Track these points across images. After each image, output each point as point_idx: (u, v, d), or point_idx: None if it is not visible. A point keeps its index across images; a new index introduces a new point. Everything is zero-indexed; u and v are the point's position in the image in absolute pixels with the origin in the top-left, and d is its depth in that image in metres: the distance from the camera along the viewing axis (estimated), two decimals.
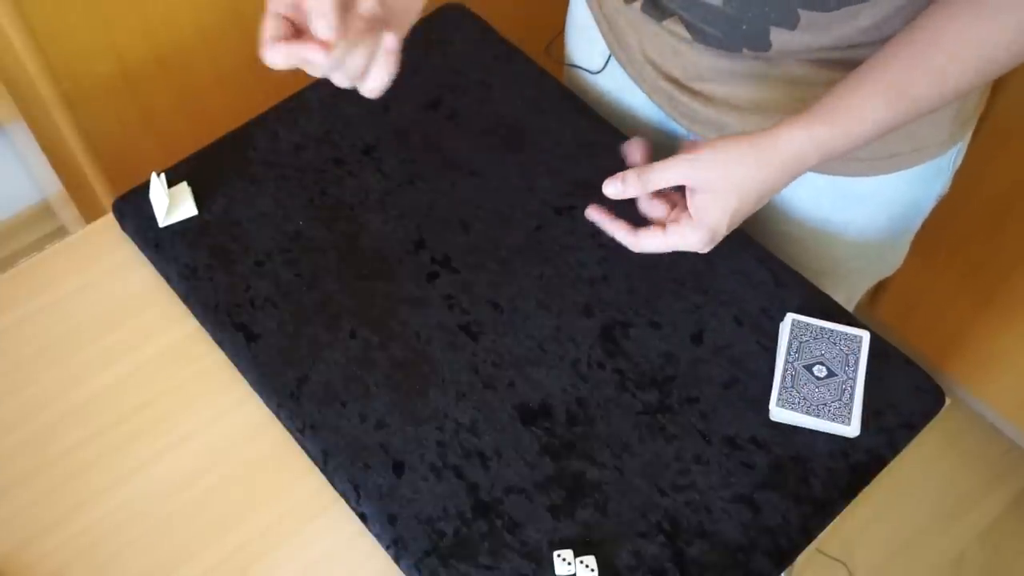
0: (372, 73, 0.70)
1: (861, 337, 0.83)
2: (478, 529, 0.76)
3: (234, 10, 1.33)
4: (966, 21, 0.69)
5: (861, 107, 0.72)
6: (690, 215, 0.76)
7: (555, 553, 0.75)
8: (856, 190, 0.92)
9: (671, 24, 0.85)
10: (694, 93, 0.90)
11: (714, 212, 0.74)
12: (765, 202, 0.76)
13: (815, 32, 0.77)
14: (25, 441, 0.82)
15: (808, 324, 0.84)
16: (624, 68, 0.97)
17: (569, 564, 0.74)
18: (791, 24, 0.76)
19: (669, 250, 0.78)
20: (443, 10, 1.09)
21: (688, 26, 0.84)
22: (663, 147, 1.01)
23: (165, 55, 1.31)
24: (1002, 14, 0.68)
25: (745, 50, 0.82)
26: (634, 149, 0.81)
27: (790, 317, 0.84)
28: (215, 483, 0.80)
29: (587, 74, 1.05)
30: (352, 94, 1.01)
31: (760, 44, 0.80)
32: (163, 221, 0.92)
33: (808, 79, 0.83)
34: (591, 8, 0.99)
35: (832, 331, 0.83)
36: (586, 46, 1.03)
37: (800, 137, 0.72)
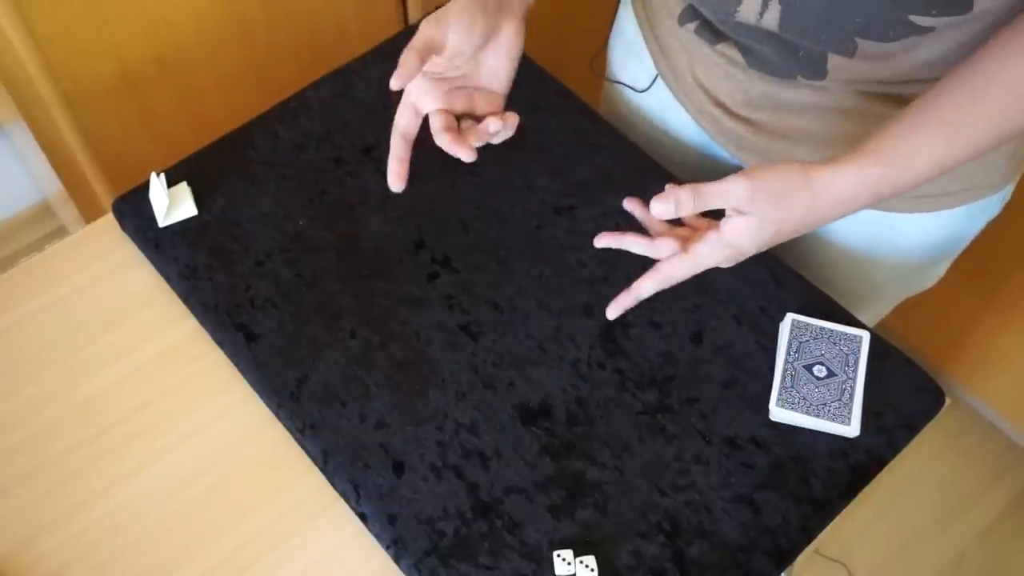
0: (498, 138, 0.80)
1: (861, 337, 0.83)
2: (478, 529, 0.76)
3: (234, 11, 1.33)
4: (1020, 58, 0.67)
5: (917, 149, 0.69)
6: (718, 231, 0.73)
7: (555, 553, 0.75)
8: (901, 225, 0.90)
9: (725, 48, 0.84)
10: (743, 120, 0.88)
11: (750, 236, 0.72)
12: (807, 231, 0.73)
13: (872, 62, 0.75)
14: (25, 441, 0.82)
15: (808, 324, 0.84)
16: (671, 89, 0.95)
17: (569, 564, 0.74)
18: (848, 52, 0.74)
19: (696, 272, 0.76)
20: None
21: (743, 50, 0.82)
22: (705, 168, 1.00)
23: (165, 55, 1.31)
24: None
25: (800, 77, 0.80)
26: (635, 205, 0.82)
27: (790, 317, 0.84)
28: (215, 483, 0.80)
29: (630, 92, 1.03)
30: (351, 94, 1.01)
31: (816, 72, 0.78)
32: (163, 221, 0.92)
33: (861, 111, 0.81)
34: (641, 27, 0.97)
35: (832, 331, 0.84)
36: (633, 63, 1.01)
37: (852, 178, 0.70)
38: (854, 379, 0.81)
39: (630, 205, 0.84)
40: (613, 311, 0.82)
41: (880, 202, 0.71)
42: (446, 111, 0.79)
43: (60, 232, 1.81)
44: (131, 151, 1.36)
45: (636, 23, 0.98)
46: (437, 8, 1.10)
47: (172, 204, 0.92)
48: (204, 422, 0.83)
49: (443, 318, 0.86)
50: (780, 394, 0.80)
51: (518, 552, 0.75)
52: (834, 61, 0.76)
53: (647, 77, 1.00)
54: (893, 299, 1.03)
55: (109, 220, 0.95)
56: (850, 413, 0.79)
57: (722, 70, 0.86)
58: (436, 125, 0.79)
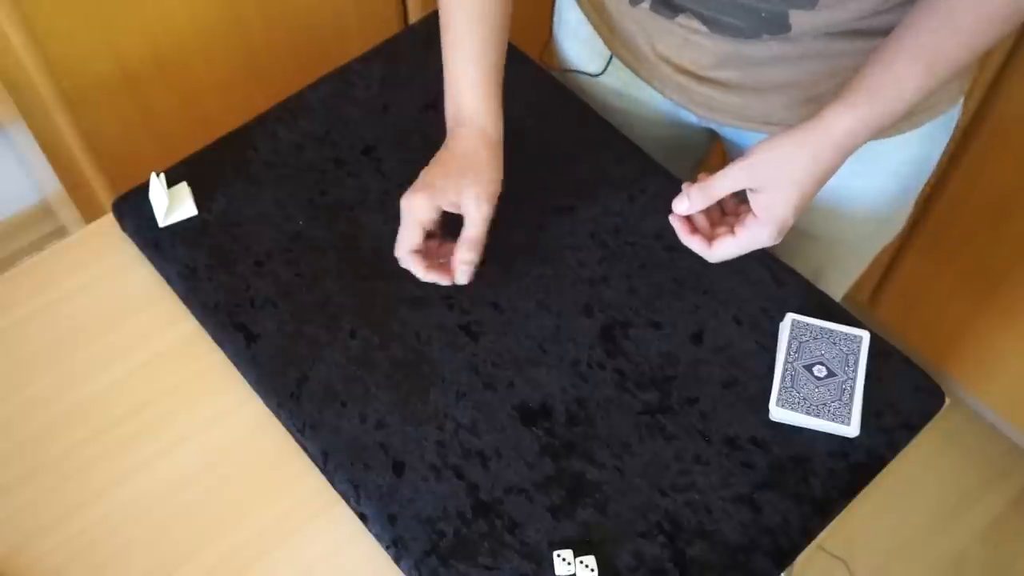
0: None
1: (861, 337, 0.83)
2: (478, 529, 0.76)
3: (234, 11, 1.33)
4: None
5: (901, 80, 0.73)
6: (755, 215, 0.78)
7: (555, 553, 0.75)
8: (873, 151, 0.92)
9: (685, 20, 0.85)
10: (712, 82, 0.90)
11: (779, 207, 0.77)
12: (825, 183, 0.77)
13: (832, 9, 0.77)
14: (25, 441, 0.82)
15: (808, 324, 0.84)
16: (631, 68, 0.97)
17: (569, 564, 0.74)
18: (811, 4, 0.77)
19: (744, 252, 0.80)
20: None
21: (704, 20, 0.84)
22: (676, 138, 1.01)
23: (165, 55, 1.31)
24: None
25: (765, 35, 0.82)
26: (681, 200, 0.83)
27: (790, 317, 0.84)
28: (215, 483, 0.80)
29: (587, 77, 1.04)
30: (351, 94, 1.01)
31: (780, 28, 0.80)
32: (163, 221, 0.92)
33: (827, 51, 0.84)
34: (586, 14, 0.99)
35: (832, 331, 0.83)
36: (583, 50, 1.03)
37: (847, 119, 0.74)
38: (854, 379, 0.81)
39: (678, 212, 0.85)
40: (675, 220, 0.83)
41: (879, 133, 0.76)
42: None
43: (60, 232, 1.81)
44: (131, 151, 1.36)
45: (579, 12, 1.00)
46: (437, 10, 1.10)
47: (172, 204, 0.92)
48: (204, 422, 0.83)
49: (443, 318, 0.86)
50: (780, 394, 0.80)
51: (518, 552, 0.75)
52: (796, 16, 0.79)
53: (600, 60, 1.01)
54: (869, 244, 1.05)
55: (109, 220, 0.95)
56: (850, 413, 0.79)
57: (683, 40, 0.88)
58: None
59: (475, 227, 0.83)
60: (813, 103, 0.88)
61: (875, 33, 0.81)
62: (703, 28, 0.84)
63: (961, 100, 0.93)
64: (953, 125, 0.96)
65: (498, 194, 0.85)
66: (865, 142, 0.76)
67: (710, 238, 0.81)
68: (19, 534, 0.78)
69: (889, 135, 0.90)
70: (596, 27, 0.98)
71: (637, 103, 1.02)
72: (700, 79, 0.90)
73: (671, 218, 0.82)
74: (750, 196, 0.77)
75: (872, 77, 0.74)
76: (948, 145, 0.98)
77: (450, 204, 0.84)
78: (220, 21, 1.33)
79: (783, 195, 0.76)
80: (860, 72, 0.75)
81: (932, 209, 1.44)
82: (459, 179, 0.84)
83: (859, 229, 0.99)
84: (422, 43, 1.06)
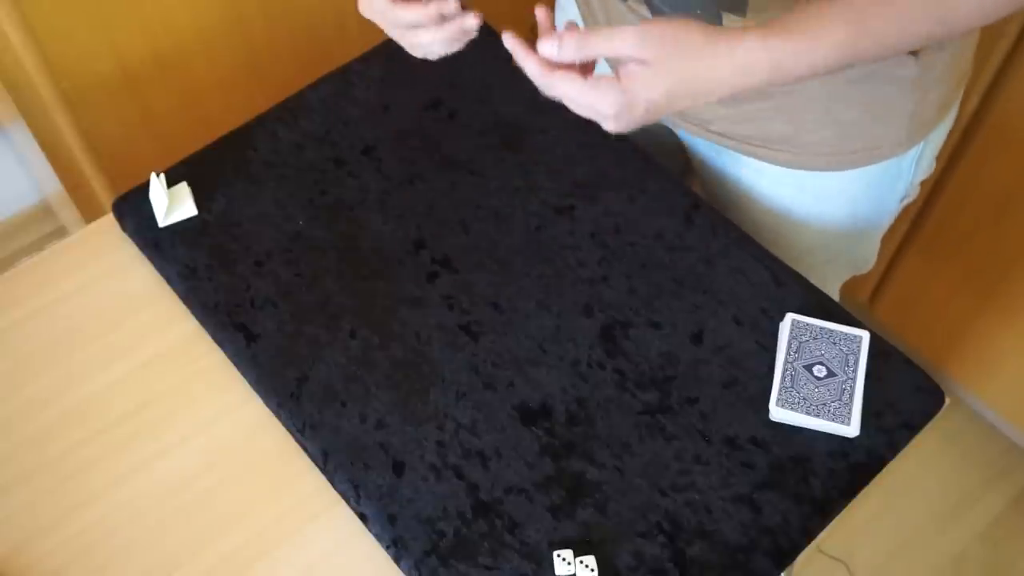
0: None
1: (861, 337, 0.83)
2: (478, 529, 0.76)
3: (234, 11, 1.33)
4: None
5: (820, 27, 0.67)
6: (615, 77, 0.68)
7: (555, 553, 0.75)
8: (816, 186, 0.93)
9: (635, 5, 0.86)
10: None
11: (641, 85, 0.67)
12: (697, 104, 0.70)
13: (764, 15, 0.77)
14: (25, 441, 0.82)
15: (808, 324, 0.84)
16: None
17: (569, 564, 0.74)
18: (740, 9, 0.77)
19: (579, 104, 0.70)
20: None
21: (651, 8, 0.84)
22: (647, 134, 1.01)
23: (165, 55, 1.31)
24: None
25: (724, 14, 0.82)
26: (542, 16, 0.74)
27: (790, 317, 0.84)
28: (215, 483, 0.80)
29: None
30: (351, 94, 1.01)
31: (739, 7, 0.80)
32: (163, 221, 0.92)
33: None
34: None
35: (832, 331, 0.83)
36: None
37: (755, 46, 0.67)
38: (854, 379, 0.81)
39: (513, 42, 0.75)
40: (509, 38, 0.74)
41: (781, 82, 0.69)
42: None
43: (60, 232, 1.81)
44: (131, 151, 1.36)
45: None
46: None
47: (172, 204, 0.92)
48: (204, 422, 0.83)
49: (443, 318, 0.86)
50: (780, 394, 0.80)
51: (518, 552, 0.75)
52: (729, 21, 0.78)
53: None
54: (827, 272, 1.05)
55: (109, 220, 0.95)
56: (850, 413, 0.79)
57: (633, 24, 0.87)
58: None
59: None
60: (750, 123, 0.88)
61: None
62: (648, 16, 0.85)
63: (915, 150, 0.92)
64: (910, 177, 0.95)
65: None
66: (768, 80, 0.69)
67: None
68: (19, 534, 0.78)
69: (824, 168, 0.90)
70: (580, 10, 0.99)
71: None
72: None
73: (510, 40, 0.72)
74: (623, 63, 0.68)
75: (794, 17, 0.68)
76: (948, 145, 0.98)
77: None
78: (220, 21, 1.33)
79: (652, 76, 0.67)
80: (785, 15, 0.69)
81: (932, 209, 1.44)
82: None
83: (811, 256, 0.99)
84: None
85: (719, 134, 0.91)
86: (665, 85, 0.67)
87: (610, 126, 0.70)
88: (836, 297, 1.10)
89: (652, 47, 0.66)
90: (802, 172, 0.92)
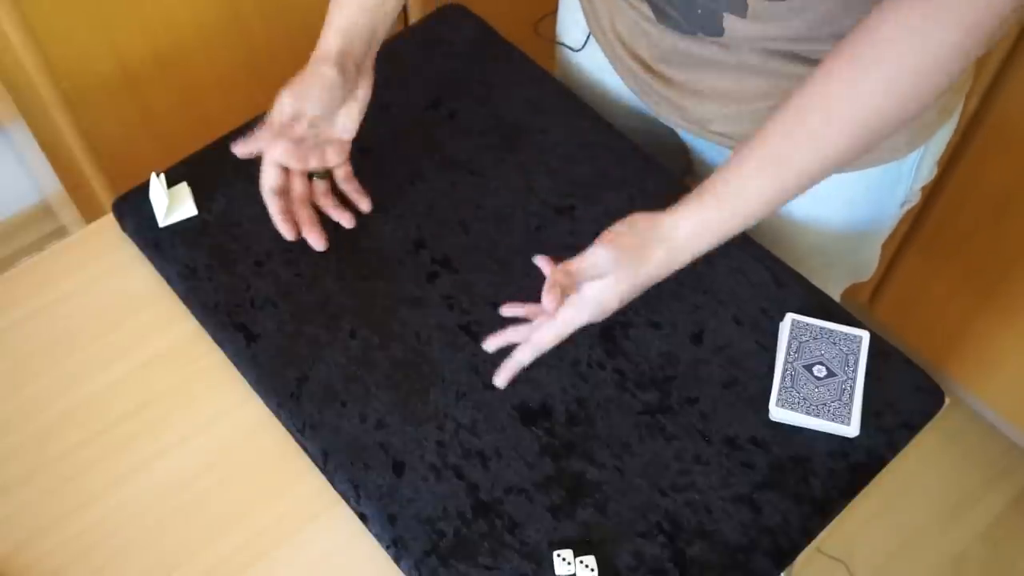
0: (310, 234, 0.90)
1: (861, 337, 0.83)
2: (478, 529, 0.76)
3: (233, 10, 1.33)
4: (839, 80, 0.68)
5: (746, 187, 0.72)
6: (579, 294, 0.76)
7: (555, 553, 0.75)
8: (816, 189, 0.92)
9: (637, 2, 0.86)
10: (657, 74, 0.91)
11: (607, 294, 0.76)
12: (662, 278, 0.77)
13: (766, 22, 0.78)
14: (25, 441, 0.82)
15: (808, 324, 0.84)
16: (600, 46, 0.98)
17: (569, 564, 0.74)
18: (741, 12, 0.77)
19: (562, 336, 0.78)
20: (443, 10, 1.09)
21: (652, 6, 0.85)
22: (637, 132, 1.02)
23: (165, 55, 1.31)
24: (871, 71, 0.67)
25: (700, 34, 0.83)
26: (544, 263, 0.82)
27: (790, 317, 0.84)
28: (215, 483, 0.80)
29: (572, 53, 1.06)
30: None
31: (713, 29, 0.81)
32: (163, 221, 0.92)
33: (764, 69, 0.84)
34: None
35: (832, 331, 0.83)
36: (572, 23, 1.04)
37: (694, 221, 0.74)
38: (854, 379, 0.81)
39: (510, 310, 0.84)
40: (501, 380, 0.82)
41: (728, 239, 0.75)
42: (302, 174, 0.90)
43: (60, 232, 1.81)
44: (131, 151, 1.36)
45: None
46: (437, 8, 1.11)
47: (172, 204, 0.92)
48: (204, 422, 0.83)
49: (443, 318, 0.86)
50: (780, 394, 0.80)
51: (518, 552, 0.75)
52: (729, 20, 0.79)
53: (584, 36, 1.03)
54: (828, 277, 1.05)
55: (109, 220, 0.95)
56: (850, 413, 0.79)
57: (638, 26, 0.89)
58: (305, 195, 0.90)
59: (273, 114, 0.85)
60: (750, 122, 0.88)
61: (813, 60, 0.81)
62: (651, 15, 0.86)
63: (915, 155, 0.92)
64: (910, 182, 0.95)
65: (319, 106, 0.85)
66: (716, 244, 0.75)
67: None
68: (19, 534, 0.78)
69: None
70: (583, 7, 1.00)
71: (608, 87, 1.03)
72: (648, 68, 0.91)
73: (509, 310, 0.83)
74: (582, 280, 0.76)
75: (720, 183, 0.73)
76: (948, 145, 0.98)
77: (279, 113, 0.85)
78: (220, 21, 1.33)
79: (619, 283, 0.75)
80: (717, 172, 0.74)
81: (932, 209, 1.44)
82: (282, 91, 0.86)
83: (810, 260, 1.00)
84: (422, 43, 1.06)
85: (719, 134, 0.91)
86: (625, 286, 0.76)
87: (596, 321, 0.78)
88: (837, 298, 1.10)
89: (623, 264, 0.75)
90: None
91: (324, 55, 0.86)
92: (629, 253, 0.75)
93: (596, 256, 0.75)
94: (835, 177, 0.91)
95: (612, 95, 1.03)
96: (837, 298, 1.10)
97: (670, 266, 0.76)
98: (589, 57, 1.04)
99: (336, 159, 0.90)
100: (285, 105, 0.85)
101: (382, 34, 0.90)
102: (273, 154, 0.86)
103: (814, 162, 0.71)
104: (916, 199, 0.99)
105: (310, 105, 0.85)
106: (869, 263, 1.07)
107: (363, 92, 0.89)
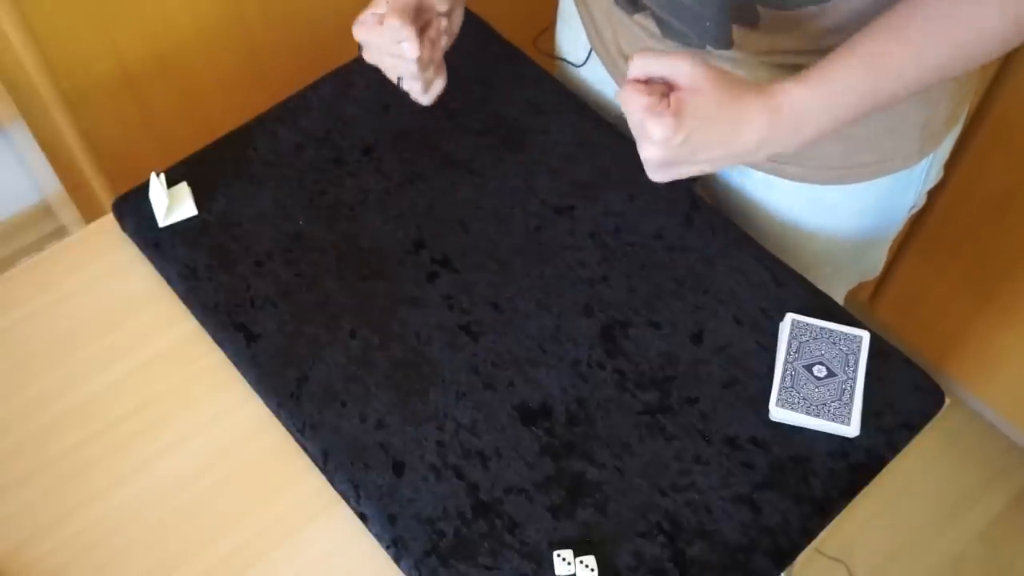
0: (436, 84, 0.86)
1: (861, 337, 0.83)
2: (478, 529, 0.76)
3: (234, 11, 1.33)
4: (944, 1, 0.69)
5: (843, 76, 0.70)
6: (666, 109, 0.69)
7: (555, 553, 0.75)
8: (825, 198, 0.93)
9: (642, 19, 0.86)
10: None
11: (689, 112, 0.69)
12: (728, 151, 0.71)
13: (777, 32, 0.78)
14: (25, 441, 0.82)
15: (808, 324, 0.84)
16: (602, 61, 0.98)
17: (569, 564, 0.74)
18: (752, 21, 0.77)
19: (633, 120, 0.70)
20: None
21: (658, 21, 0.84)
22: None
23: (165, 55, 1.31)
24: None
25: (709, 48, 0.82)
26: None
27: (790, 317, 0.84)
28: (215, 483, 0.80)
29: (573, 67, 1.06)
30: (351, 94, 1.01)
31: (723, 42, 0.81)
32: (163, 221, 0.92)
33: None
34: (576, 2, 1.00)
35: (832, 331, 0.84)
36: (572, 38, 1.04)
37: (798, 92, 0.70)
38: (854, 379, 0.81)
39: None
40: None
41: (810, 134, 0.71)
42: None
43: (60, 232, 1.80)
44: (131, 151, 1.36)
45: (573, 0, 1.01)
46: None
47: (172, 204, 0.92)
48: (204, 422, 0.83)
49: (443, 318, 0.86)
50: (780, 394, 0.80)
51: (518, 552, 0.75)
52: (739, 32, 0.78)
53: (585, 51, 1.02)
54: (835, 280, 1.05)
55: (109, 220, 0.95)
56: (850, 413, 0.79)
57: (640, 40, 0.88)
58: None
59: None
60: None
61: None
62: (656, 31, 0.85)
63: (926, 161, 0.92)
64: (920, 187, 0.95)
65: None
66: (810, 134, 0.71)
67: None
68: (19, 534, 0.78)
69: (834, 182, 0.90)
70: (582, 17, 0.99)
71: (611, 100, 1.03)
72: None
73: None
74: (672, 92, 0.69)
75: (815, 70, 0.70)
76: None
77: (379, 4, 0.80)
78: (221, 21, 1.33)
79: (701, 105, 0.68)
80: (817, 62, 0.71)
81: (932, 209, 1.44)
82: None
83: (818, 268, 1.00)
84: None
85: None
86: (708, 113, 0.68)
87: (652, 154, 0.71)
88: (840, 303, 1.10)
89: (700, 77, 0.68)
90: (812, 186, 0.91)
91: None
92: (716, 76, 0.68)
93: (676, 56, 0.68)
94: (845, 188, 0.90)
95: (614, 108, 1.03)
96: (842, 299, 1.10)
97: (775, 140, 0.70)
98: (591, 71, 1.03)
99: (433, 43, 0.84)
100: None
101: None
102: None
103: (910, 70, 0.70)
104: (923, 202, 0.99)
105: None
106: (876, 264, 1.07)
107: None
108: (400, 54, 0.80)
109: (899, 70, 0.71)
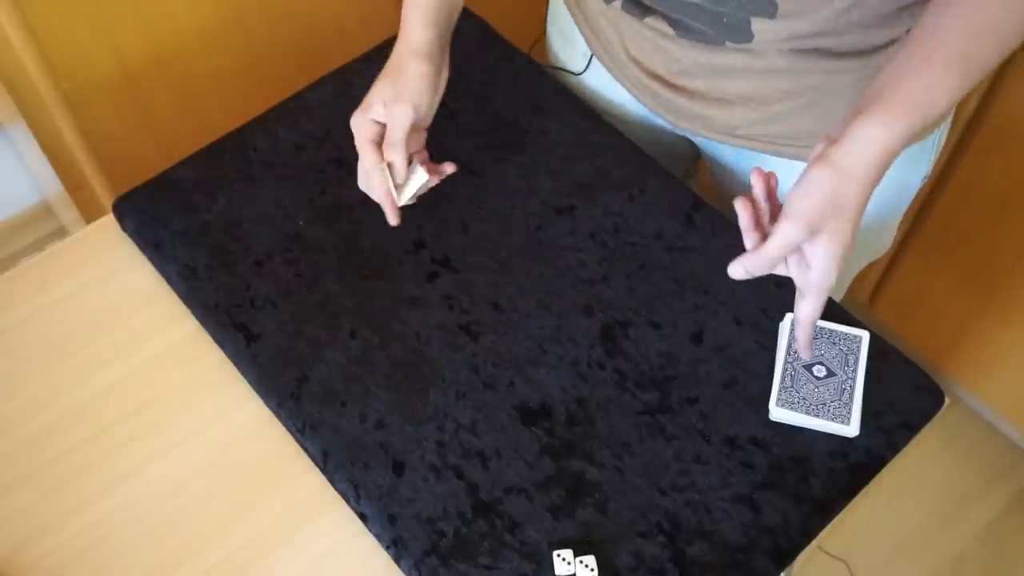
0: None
1: (861, 337, 0.83)
2: (478, 529, 0.76)
3: (234, 11, 1.33)
4: None
5: (935, 88, 0.68)
6: (813, 265, 0.71)
7: (555, 553, 0.75)
8: None
9: (653, 21, 0.86)
10: (678, 88, 0.90)
11: (836, 247, 0.70)
12: (867, 203, 0.71)
13: (794, 19, 0.78)
14: (25, 441, 0.82)
15: None
16: (607, 68, 0.98)
17: (569, 564, 0.74)
18: (771, 13, 0.77)
19: (778, 257, 0.71)
20: None
21: (671, 22, 0.84)
22: (651, 140, 1.01)
23: (165, 55, 1.31)
24: None
25: (728, 43, 0.82)
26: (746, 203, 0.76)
27: (790, 317, 0.84)
28: (215, 483, 0.80)
29: (571, 76, 1.05)
30: (351, 94, 1.01)
31: (743, 36, 0.81)
32: (402, 201, 0.86)
33: (792, 68, 0.84)
34: (571, 12, 1.00)
35: (832, 331, 0.84)
36: (568, 48, 1.04)
37: (882, 136, 0.68)
38: (854, 379, 0.81)
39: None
40: (804, 351, 0.78)
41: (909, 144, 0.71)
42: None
43: (60, 232, 1.81)
44: (131, 151, 1.36)
45: (567, 9, 1.01)
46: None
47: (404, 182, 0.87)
48: (204, 422, 0.83)
49: (443, 318, 0.86)
50: (780, 394, 0.80)
51: (518, 552, 0.75)
52: (758, 24, 0.79)
53: (583, 59, 1.02)
54: (849, 265, 1.04)
55: (109, 220, 0.95)
56: (850, 413, 0.79)
57: (652, 43, 0.88)
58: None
59: (392, 130, 0.82)
60: (779, 122, 0.88)
61: (840, 54, 0.81)
62: (670, 31, 0.85)
63: (940, 128, 0.92)
64: (933, 154, 0.95)
65: (427, 104, 0.84)
66: (900, 152, 0.70)
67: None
68: (19, 534, 0.78)
69: None
70: (579, 25, 0.99)
71: (614, 105, 1.03)
72: (668, 84, 0.91)
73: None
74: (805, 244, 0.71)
75: (903, 88, 0.68)
76: (948, 145, 0.98)
77: (378, 114, 0.83)
78: (221, 21, 1.33)
79: (839, 235, 0.70)
80: (883, 84, 0.69)
81: (932, 209, 1.44)
82: (382, 88, 0.84)
83: None
84: None
85: (746, 137, 0.90)
86: (847, 231, 0.70)
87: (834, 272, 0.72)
88: (848, 287, 1.10)
89: (812, 217, 0.68)
90: None
91: (418, 50, 0.84)
92: (823, 207, 0.68)
93: (783, 232, 0.69)
94: None
95: (617, 111, 1.03)
96: (851, 280, 1.09)
97: (871, 186, 0.70)
98: (591, 76, 1.03)
99: (416, 146, 0.87)
100: (403, 116, 0.82)
101: (456, 16, 0.89)
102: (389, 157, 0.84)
103: (994, 55, 0.70)
104: (931, 170, 0.99)
105: (425, 107, 0.84)
106: (887, 241, 1.06)
107: (444, 78, 0.87)
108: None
109: (985, 59, 0.70)
